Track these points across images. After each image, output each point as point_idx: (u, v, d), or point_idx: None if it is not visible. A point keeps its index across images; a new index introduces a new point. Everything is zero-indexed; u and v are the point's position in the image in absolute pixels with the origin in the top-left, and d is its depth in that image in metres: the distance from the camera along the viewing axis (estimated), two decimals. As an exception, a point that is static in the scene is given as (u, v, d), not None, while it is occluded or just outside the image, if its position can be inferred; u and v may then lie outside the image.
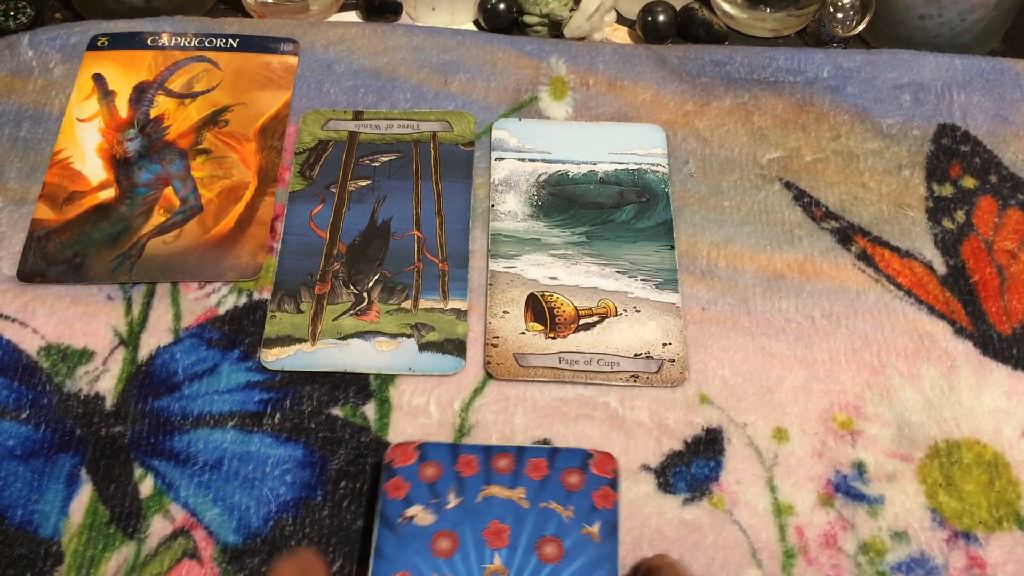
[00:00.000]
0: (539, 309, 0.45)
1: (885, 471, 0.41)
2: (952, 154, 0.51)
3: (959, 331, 0.45)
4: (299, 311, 0.45)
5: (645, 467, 0.41)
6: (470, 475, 0.38)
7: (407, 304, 0.45)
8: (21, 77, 0.52)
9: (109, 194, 0.48)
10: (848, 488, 0.41)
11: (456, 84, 0.53)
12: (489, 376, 0.43)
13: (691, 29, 0.57)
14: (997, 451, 0.42)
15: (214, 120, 0.51)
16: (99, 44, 0.53)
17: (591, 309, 0.45)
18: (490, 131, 0.51)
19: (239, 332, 0.44)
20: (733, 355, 0.44)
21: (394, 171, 0.50)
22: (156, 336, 0.44)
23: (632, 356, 0.44)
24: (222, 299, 0.45)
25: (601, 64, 0.54)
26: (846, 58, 0.54)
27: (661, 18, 0.56)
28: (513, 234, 0.48)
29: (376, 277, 0.46)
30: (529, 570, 0.35)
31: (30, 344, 0.43)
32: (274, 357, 0.43)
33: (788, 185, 0.50)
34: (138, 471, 0.41)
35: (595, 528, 0.37)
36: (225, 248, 0.47)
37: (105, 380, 0.43)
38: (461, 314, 0.45)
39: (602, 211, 0.49)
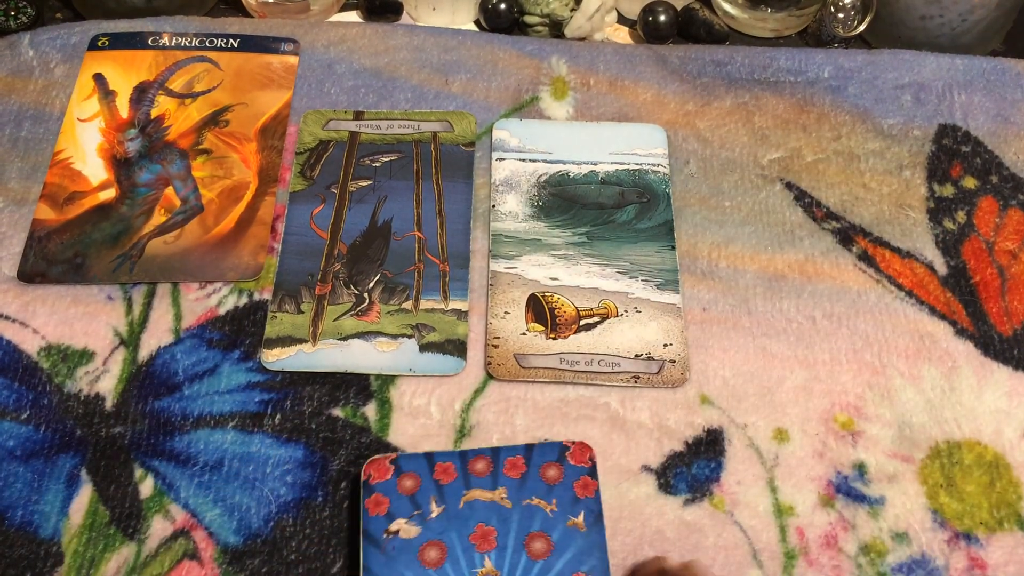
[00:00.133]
0: (540, 310, 0.45)
1: (886, 472, 0.41)
2: (953, 154, 0.51)
3: (960, 332, 0.45)
4: (300, 311, 0.45)
5: (646, 468, 0.41)
6: (449, 482, 0.37)
7: (408, 305, 0.45)
8: (22, 77, 0.52)
9: (110, 194, 0.48)
10: (849, 489, 0.41)
11: (457, 84, 0.53)
12: (490, 377, 0.43)
13: (692, 29, 0.57)
14: (998, 452, 0.42)
15: (215, 120, 0.51)
16: (100, 44, 0.53)
17: (592, 310, 0.45)
18: (491, 131, 0.51)
19: (240, 332, 0.44)
20: (734, 356, 0.44)
21: (395, 171, 0.50)
22: (156, 336, 0.44)
23: (633, 357, 0.44)
24: (223, 299, 0.45)
25: (602, 64, 0.54)
26: (847, 58, 0.54)
27: (662, 18, 0.56)
28: (514, 234, 0.48)
29: (377, 277, 0.46)
30: (520, 569, 0.35)
31: (30, 344, 0.43)
32: (275, 357, 0.43)
33: (789, 185, 0.50)
34: (138, 472, 0.41)
35: (580, 518, 0.37)
36: (226, 248, 0.47)
37: (105, 380, 0.43)
38: (462, 315, 0.45)
39: (603, 211, 0.49)
